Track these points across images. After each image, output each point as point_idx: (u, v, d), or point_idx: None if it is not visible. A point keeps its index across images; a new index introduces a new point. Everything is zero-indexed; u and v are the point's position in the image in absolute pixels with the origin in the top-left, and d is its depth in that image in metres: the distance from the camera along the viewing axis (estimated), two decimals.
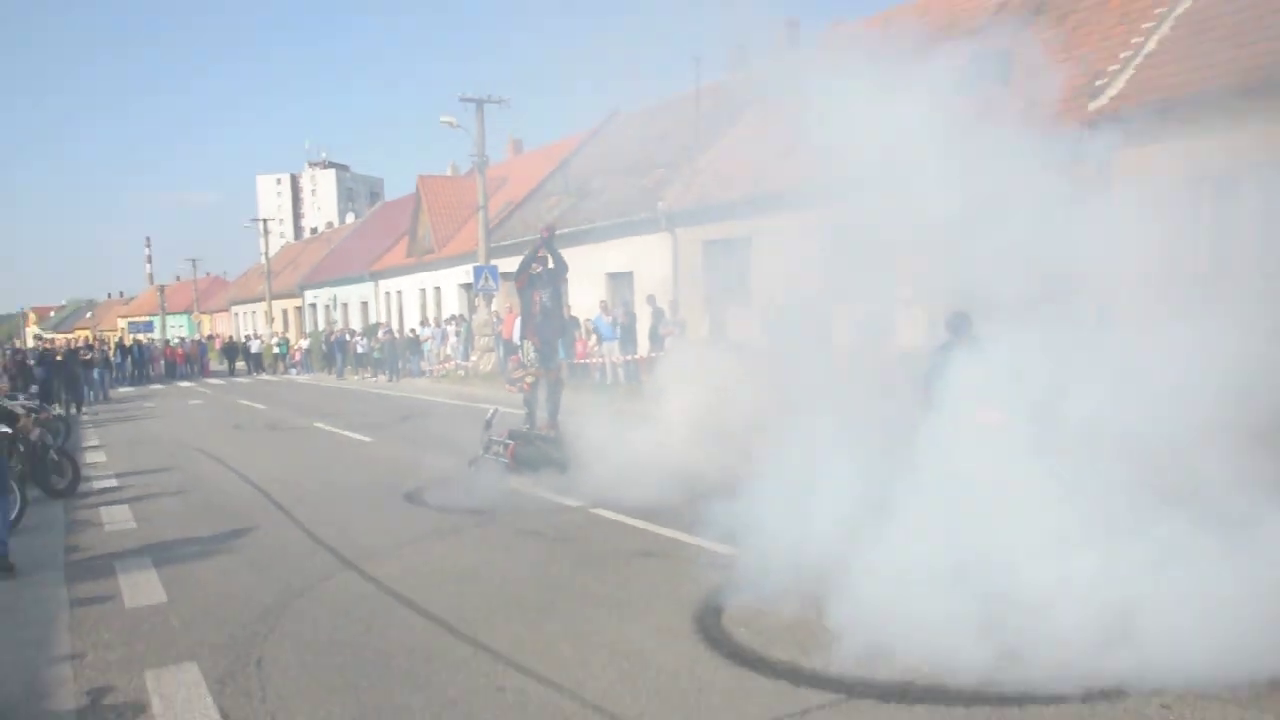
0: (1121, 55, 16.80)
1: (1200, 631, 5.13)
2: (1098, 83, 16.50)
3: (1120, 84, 16.33)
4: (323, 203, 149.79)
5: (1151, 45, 16.70)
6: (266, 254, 65.87)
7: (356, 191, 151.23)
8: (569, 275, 14.22)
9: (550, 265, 13.29)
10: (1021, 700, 4.99)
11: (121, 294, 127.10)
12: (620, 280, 29.58)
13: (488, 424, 12.87)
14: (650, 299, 24.71)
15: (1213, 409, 5.81)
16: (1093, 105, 16.02)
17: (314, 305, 59.96)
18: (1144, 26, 17.09)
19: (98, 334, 54.63)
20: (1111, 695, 5.01)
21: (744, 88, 28.00)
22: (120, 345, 48.95)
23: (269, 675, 6.02)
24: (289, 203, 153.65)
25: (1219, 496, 5.61)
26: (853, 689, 5.28)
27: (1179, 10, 16.86)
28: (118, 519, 11.24)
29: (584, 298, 28.27)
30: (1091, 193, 7.43)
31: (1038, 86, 17.83)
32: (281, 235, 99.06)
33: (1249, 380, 5.86)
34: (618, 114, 38.92)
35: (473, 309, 34.20)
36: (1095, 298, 6.75)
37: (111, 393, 34.86)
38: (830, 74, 8.32)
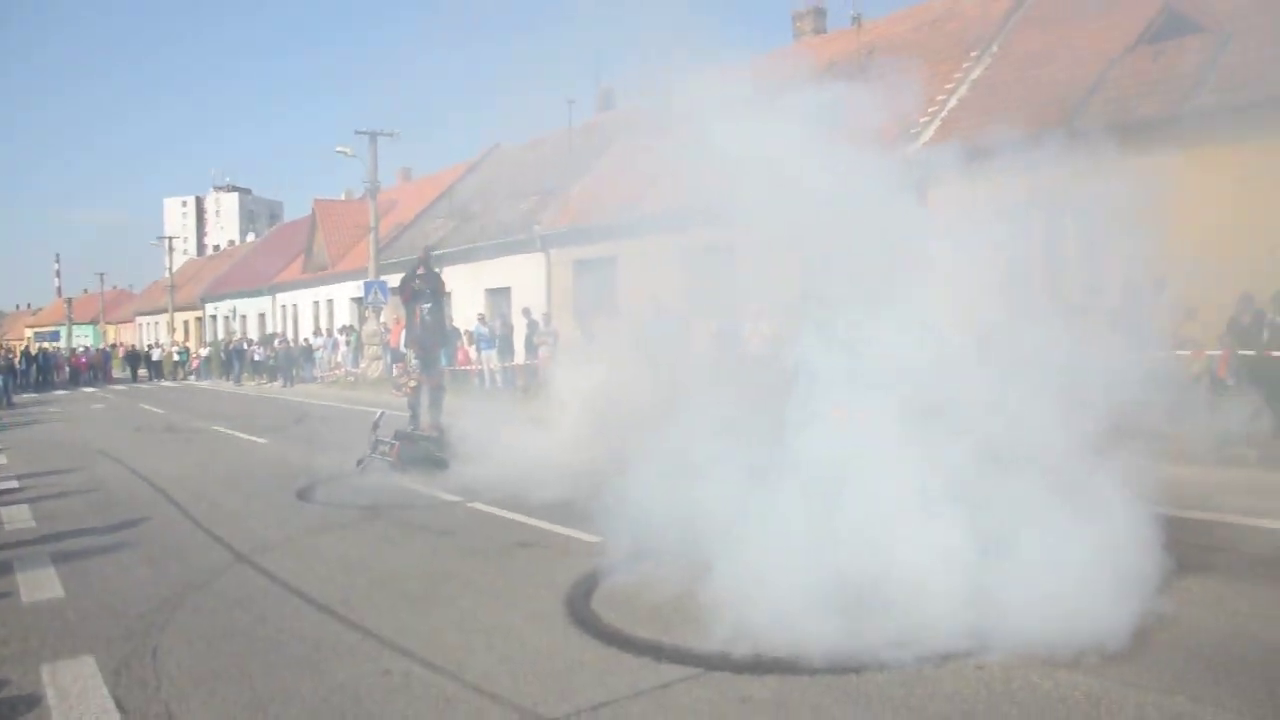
0: (929, 109, 17.42)
1: (1036, 598, 5.20)
2: (911, 130, 17.02)
3: (930, 132, 16.91)
4: (226, 223, 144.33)
5: (953, 102, 17.38)
6: (170, 269, 63.22)
7: (257, 213, 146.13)
8: (447, 291, 13.99)
9: (435, 282, 13.06)
10: (860, 669, 4.98)
11: (30, 305, 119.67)
12: (498, 295, 29.20)
13: (375, 426, 12.46)
14: (525, 312, 24.44)
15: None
16: (909, 149, 16.49)
17: (214, 316, 57.62)
18: (946, 87, 17.80)
19: (3, 343, 51.43)
20: (937, 660, 5.04)
21: (611, 126, 28.04)
22: (25, 353, 46.11)
23: (164, 665, 5.61)
24: (194, 222, 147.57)
25: (1053, 470, 5.73)
26: (710, 663, 5.19)
27: (974, 76, 17.66)
28: (17, 519, 10.44)
29: (465, 310, 27.83)
30: (915, 213, 7.57)
31: (864, 131, 18.24)
32: (185, 253, 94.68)
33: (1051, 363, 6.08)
34: (499, 147, 38.60)
35: (362, 320, 33.30)
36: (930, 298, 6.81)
37: (15, 399, 32.74)
38: (690, 114, 8.27)
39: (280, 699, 5.03)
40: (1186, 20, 15.74)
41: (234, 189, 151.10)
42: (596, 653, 5.49)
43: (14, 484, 12.98)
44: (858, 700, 4.68)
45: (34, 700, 5.19)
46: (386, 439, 12.21)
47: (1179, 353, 11.53)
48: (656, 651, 5.41)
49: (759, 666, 5.09)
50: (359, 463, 12.06)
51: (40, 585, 7.50)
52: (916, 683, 4.84)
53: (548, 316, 23.93)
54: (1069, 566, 5.32)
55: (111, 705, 5.04)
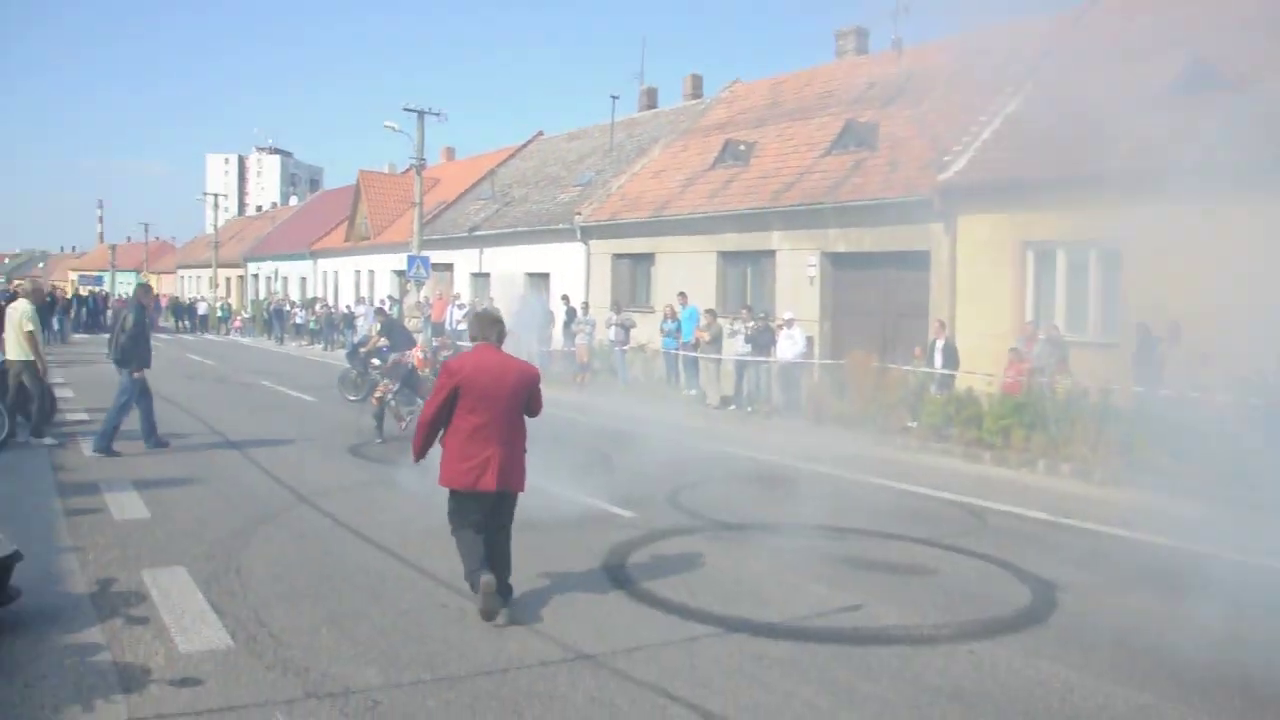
0: (963, 139, 17.72)
1: None
2: (945, 159, 17.38)
3: (962, 163, 17.23)
4: (267, 184, 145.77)
5: (986, 134, 17.67)
6: (216, 226, 63.86)
7: (299, 177, 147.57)
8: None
9: None
10: (864, 642, 5.51)
11: (75, 248, 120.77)
12: (539, 279, 29.68)
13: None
14: (564, 299, 24.90)
15: None
16: (940, 177, 16.88)
17: (256, 275, 58.33)
18: (980, 119, 18.08)
19: (51, 284, 52.63)
20: (930, 642, 5.55)
21: (653, 125, 28.49)
22: (77, 295, 46.97)
23: (248, 580, 6.21)
24: (235, 181, 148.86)
25: None
26: (731, 625, 5.70)
27: (1008, 109, 17.94)
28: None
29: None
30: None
31: (899, 152, 18.73)
32: (226, 210, 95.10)
33: None
34: (541, 135, 39.21)
35: (403, 293, 33.88)
36: None
37: (70, 338, 33.54)
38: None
39: (352, 617, 5.60)
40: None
41: (276, 151, 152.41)
42: (631, 608, 6.03)
43: (84, 415, 13.62)
44: (859, 667, 5.20)
45: (140, 596, 5.81)
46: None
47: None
48: (684, 611, 5.95)
49: (774, 631, 5.62)
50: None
51: (128, 506, 8.15)
52: (913, 658, 5.35)
53: (586, 305, 24.37)
54: None
55: (208, 607, 5.63)
